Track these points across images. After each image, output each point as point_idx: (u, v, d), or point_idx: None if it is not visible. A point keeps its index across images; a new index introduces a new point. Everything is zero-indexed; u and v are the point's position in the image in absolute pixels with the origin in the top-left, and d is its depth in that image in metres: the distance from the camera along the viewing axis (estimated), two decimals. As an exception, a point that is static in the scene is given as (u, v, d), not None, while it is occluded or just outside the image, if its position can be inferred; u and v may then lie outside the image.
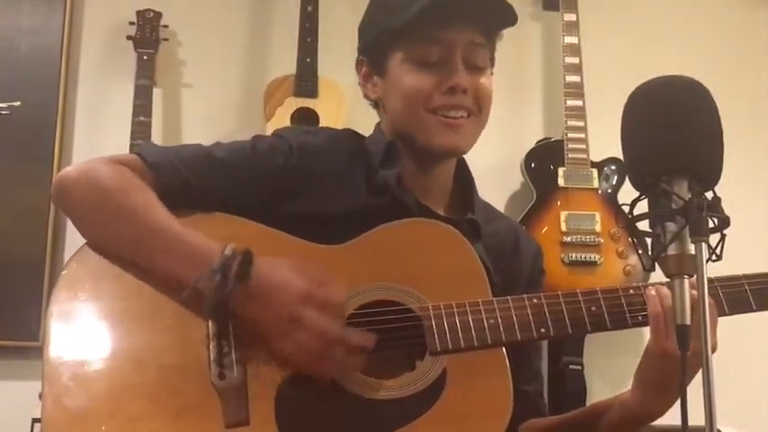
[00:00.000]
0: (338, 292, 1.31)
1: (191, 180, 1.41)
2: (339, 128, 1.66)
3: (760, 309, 1.44)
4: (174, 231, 1.32)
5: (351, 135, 1.61)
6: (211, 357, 1.28)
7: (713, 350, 1.30)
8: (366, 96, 1.62)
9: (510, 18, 1.52)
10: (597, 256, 2.97)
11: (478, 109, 1.52)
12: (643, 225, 1.20)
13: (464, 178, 1.63)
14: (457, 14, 1.49)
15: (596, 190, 3.09)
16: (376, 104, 1.62)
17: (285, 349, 1.27)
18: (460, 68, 1.49)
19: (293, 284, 1.28)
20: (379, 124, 1.63)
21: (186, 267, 1.28)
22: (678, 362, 1.13)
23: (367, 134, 1.63)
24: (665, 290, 1.37)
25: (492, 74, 1.57)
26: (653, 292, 1.38)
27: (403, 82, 1.51)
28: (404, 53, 1.51)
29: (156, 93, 3.09)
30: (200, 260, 1.28)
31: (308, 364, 1.27)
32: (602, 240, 2.99)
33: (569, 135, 3.12)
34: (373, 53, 1.57)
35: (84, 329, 1.31)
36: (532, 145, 3.21)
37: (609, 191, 3.10)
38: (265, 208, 1.44)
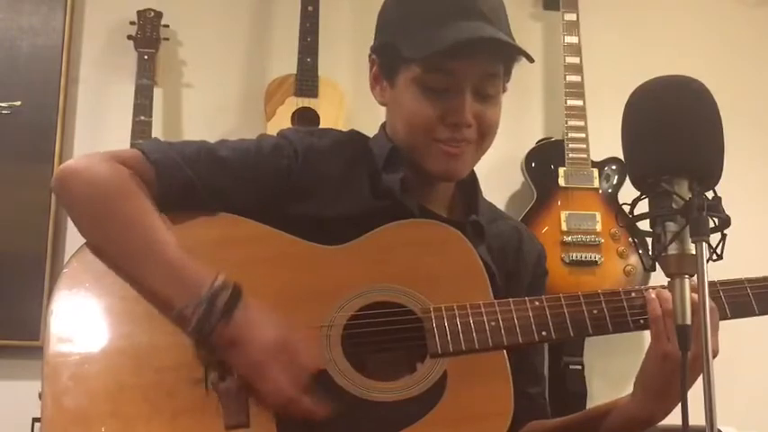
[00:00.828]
0: (309, 356, 1.30)
1: (193, 178, 1.40)
2: (342, 129, 1.65)
3: (762, 312, 1.44)
4: (165, 250, 1.32)
5: (355, 137, 1.60)
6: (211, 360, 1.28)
7: (715, 354, 1.30)
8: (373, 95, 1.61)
9: (526, 57, 1.47)
10: (598, 256, 2.97)
11: (481, 138, 1.49)
12: (644, 225, 1.20)
13: (468, 180, 1.62)
14: (475, 54, 1.44)
15: (597, 190, 3.09)
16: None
17: (254, 391, 1.26)
18: (467, 102, 1.45)
19: (269, 333, 1.27)
20: (384, 125, 1.61)
21: (174, 289, 1.28)
22: (679, 365, 1.13)
23: (368, 134, 1.62)
24: (666, 292, 1.36)
25: (505, 90, 1.54)
26: (653, 295, 1.38)
27: (408, 106, 1.48)
28: (413, 75, 1.46)
29: (157, 92, 3.09)
30: (189, 285, 1.28)
31: (273, 408, 1.27)
32: (603, 240, 2.99)
33: (570, 135, 3.12)
34: (385, 59, 1.53)
35: (83, 329, 1.31)
36: (533, 145, 3.21)
37: (609, 190, 3.10)
38: (268, 208, 1.44)
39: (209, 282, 1.26)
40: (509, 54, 1.48)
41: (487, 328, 1.36)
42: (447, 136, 1.46)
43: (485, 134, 1.49)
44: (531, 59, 1.46)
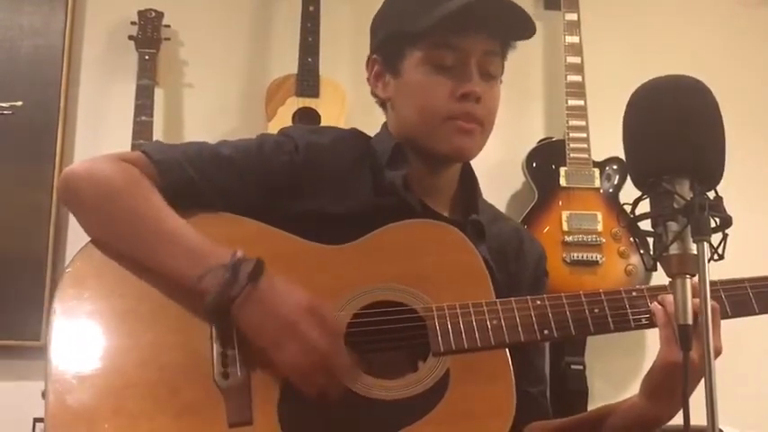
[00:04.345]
0: (336, 316, 1.31)
1: (196, 178, 1.42)
2: (344, 128, 1.66)
3: (762, 312, 1.44)
4: (182, 232, 1.33)
5: (357, 135, 1.61)
6: (215, 357, 1.28)
7: (719, 353, 1.30)
8: (374, 95, 1.62)
9: (529, 31, 1.52)
10: (599, 256, 2.97)
11: (486, 120, 1.52)
12: (645, 225, 1.20)
13: (468, 180, 1.63)
14: (479, 24, 1.49)
15: (598, 189, 3.09)
16: (383, 104, 1.62)
17: (277, 358, 1.27)
18: (475, 76, 1.50)
19: (296, 296, 1.29)
20: (385, 124, 1.62)
21: (192, 267, 1.29)
22: (691, 371, 1.13)
23: (369, 133, 1.63)
24: (669, 297, 1.36)
25: (501, 82, 1.57)
26: (658, 306, 1.37)
27: (418, 84, 1.51)
28: (421, 55, 1.51)
29: (158, 92, 3.09)
30: (209, 259, 1.29)
31: (295, 376, 1.27)
32: (604, 240, 2.99)
33: (571, 135, 3.12)
34: (388, 52, 1.56)
35: (87, 327, 1.31)
36: (534, 144, 3.22)
37: (610, 190, 3.10)
38: (270, 207, 1.44)
39: (230, 254, 1.28)
40: (515, 18, 1.50)
41: (489, 326, 1.37)
42: (460, 110, 1.49)
43: (488, 114, 1.52)
44: (531, 30, 1.51)
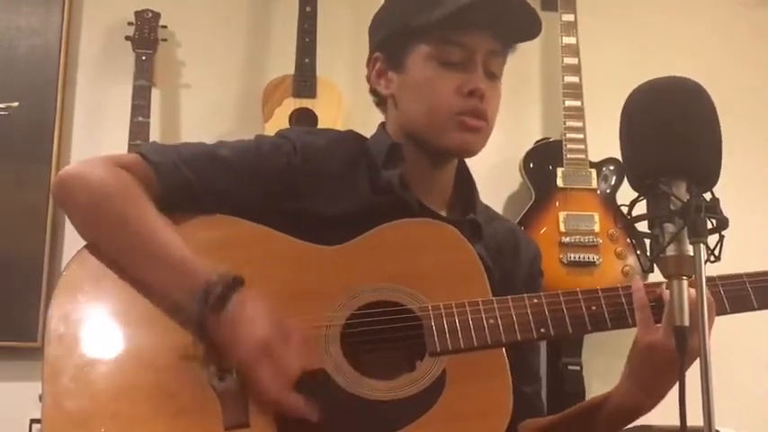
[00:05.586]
0: (299, 355, 1.28)
1: (193, 180, 1.42)
2: (340, 129, 1.66)
3: (761, 307, 1.44)
4: (166, 248, 1.32)
5: (353, 136, 1.61)
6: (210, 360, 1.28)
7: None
8: (374, 93, 1.62)
9: (534, 31, 1.53)
10: (596, 257, 2.97)
11: (490, 117, 1.52)
12: (642, 226, 1.20)
13: (465, 179, 1.63)
14: (487, 21, 1.49)
15: (595, 190, 3.09)
16: (381, 102, 1.62)
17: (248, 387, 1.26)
18: (481, 73, 1.50)
19: (257, 332, 1.26)
20: (382, 124, 1.62)
21: (174, 286, 1.29)
22: (665, 355, 1.14)
23: (366, 134, 1.63)
24: (653, 285, 1.37)
25: (501, 84, 1.58)
26: (640, 284, 1.39)
27: (424, 80, 1.51)
28: (428, 50, 1.51)
29: (155, 93, 3.09)
30: (188, 280, 1.28)
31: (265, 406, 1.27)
32: (601, 241, 2.99)
33: (568, 135, 3.12)
34: (392, 48, 1.56)
35: (83, 331, 1.31)
36: (531, 145, 3.21)
37: (608, 191, 3.10)
38: (268, 208, 1.44)
39: (205, 276, 1.27)
40: (523, 16, 1.51)
41: (486, 325, 1.36)
42: (466, 106, 1.49)
43: (492, 113, 1.53)
44: (537, 30, 1.53)
